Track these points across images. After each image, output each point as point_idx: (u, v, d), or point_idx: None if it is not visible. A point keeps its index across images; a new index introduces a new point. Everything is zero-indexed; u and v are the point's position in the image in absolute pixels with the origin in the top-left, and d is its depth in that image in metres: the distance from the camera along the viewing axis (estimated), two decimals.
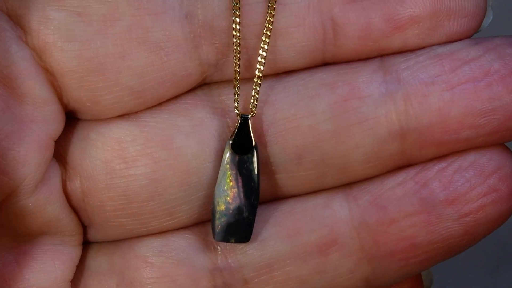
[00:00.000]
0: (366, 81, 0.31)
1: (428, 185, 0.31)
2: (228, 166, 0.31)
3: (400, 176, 0.31)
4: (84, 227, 0.32)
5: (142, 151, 0.31)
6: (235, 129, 0.31)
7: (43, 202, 0.30)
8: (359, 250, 0.31)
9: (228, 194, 0.31)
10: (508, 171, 0.31)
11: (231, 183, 0.31)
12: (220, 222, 0.31)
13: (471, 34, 0.32)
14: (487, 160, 0.31)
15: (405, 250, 0.31)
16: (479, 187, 0.31)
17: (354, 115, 0.31)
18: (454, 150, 0.31)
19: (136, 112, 0.31)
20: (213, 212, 0.31)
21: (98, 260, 0.32)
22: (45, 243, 0.31)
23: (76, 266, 0.32)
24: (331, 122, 0.31)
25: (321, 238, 0.31)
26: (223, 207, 0.31)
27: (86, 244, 0.33)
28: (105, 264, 0.32)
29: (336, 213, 0.31)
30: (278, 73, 0.32)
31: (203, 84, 0.32)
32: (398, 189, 0.31)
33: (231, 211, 0.31)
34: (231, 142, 0.31)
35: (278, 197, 0.32)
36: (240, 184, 0.31)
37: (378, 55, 0.31)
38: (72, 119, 0.31)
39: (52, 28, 0.29)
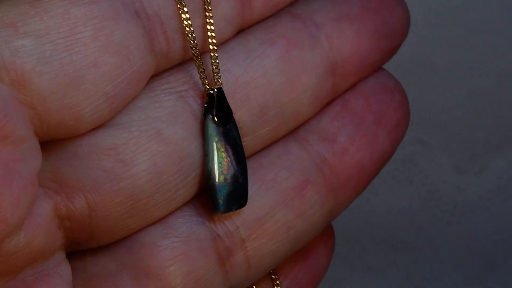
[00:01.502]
0: (295, 31, 0.34)
1: (356, 111, 0.35)
2: (216, 139, 0.32)
3: (330, 111, 0.35)
4: (74, 242, 0.32)
5: (138, 149, 0.31)
6: (213, 102, 0.32)
7: (32, 235, 0.30)
8: (325, 185, 0.34)
9: (223, 165, 0.32)
10: (401, 87, 0.36)
11: (223, 154, 0.32)
12: (222, 194, 0.32)
13: None
14: (385, 80, 0.36)
15: (357, 174, 0.35)
16: (392, 103, 0.35)
17: (298, 62, 0.34)
18: (362, 77, 0.35)
19: (112, 119, 0.32)
20: (212, 187, 0.32)
21: (101, 263, 0.32)
22: (29, 275, 0.30)
23: (72, 280, 0.31)
24: (282, 74, 0.34)
25: (296, 181, 0.34)
26: (222, 179, 0.32)
27: (77, 254, 0.33)
28: (112, 264, 0.32)
29: (298, 157, 0.34)
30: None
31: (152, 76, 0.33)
32: (336, 122, 0.35)
33: (229, 181, 0.32)
34: (214, 115, 0.32)
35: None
36: (230, 153, 0.32)
37: (277, 9, 0.35)
38: (47, 143, 0.31)
39: (26, 56, 0.29)
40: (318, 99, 0.34)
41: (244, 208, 0.33)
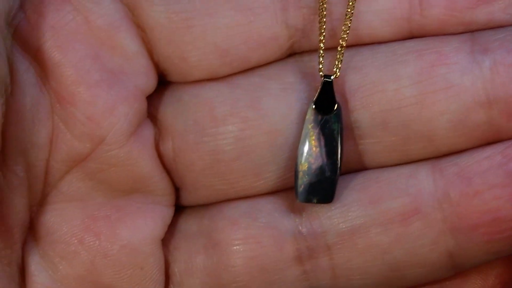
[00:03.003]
0: (454, 50, 0.31)
1: None
2: (310, 126, 0.31)
3: (489, 150, 0.31)
4: (177, 189, 0.33)
5: (231, 111, 0.31)
6: (319, 90, 0.31)
7: (136, 156, 0.31)
8: (442, 221, 0.31)
9: (311, 154, 0.31)
10: None
11: (313, 143, 0.31)
12: (302, 182, 0.31)
13: None
14: None
15: (489, 223, 0.31)
16: None
17: (439, 80, 0.31)
18: None
19: (228, 76, 0.32)
20: (296, 172, 0.31)
21: (189, 223, 0.33)
22: (138, 201, 0.32)
23: (168, 226, 0.33)
24: (416, 87, 0.31)
25: (403, 206, 0.31)
26: (305, 167, 0.31)
27: (180, 209, 0.33)
28: (195, 227, 0.33)
29: (420, 183, 0.31)
30: (367, 43, 0.32)
31: (295, 54, 0.32)
32: (485, 162, 0.31)
33: (313, 171, 0.31)
34: (314, 102, 0.31)
35: (365, 166, 0.32)
36: (322, 143, 0.31)
37: (466, 30, 0.31)
38: (164, 83, 0.32)
39: None
40: (465, 128, 0.31)
41: (337, 214, 0.32)
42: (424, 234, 0.31)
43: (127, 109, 0.30)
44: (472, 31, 0.31)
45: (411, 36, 0.32)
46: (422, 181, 0.31)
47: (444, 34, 0.31)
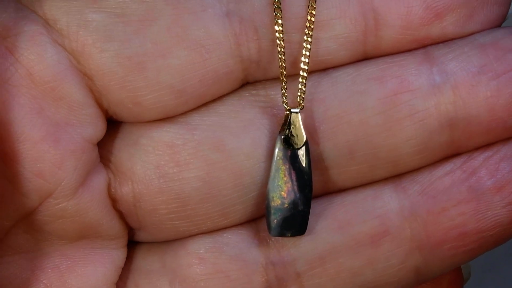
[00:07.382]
0: (415, 73, 0.31)
1: (475, 173, 0.31)
2: (280, 161, 0.31)
3: (448, 166, 0.32)
4: (132, 229, 0.32)
5: (194, 154, 0.31)
6: (286, 124, 0.31)
7: (85, 206, 0.30)
8: (410, 240, 0.32)
9: (283, 189, 0.31)
10: None
11: (284, 178, 0.31)
12: (276, 217, 0.31)
13: (501, 22, 0.32)
14: None
15: (455, 239, 0.31)
16: None
17: (404, 108, 0.31)
18: (501, 138, 0.31)
19: (183, 115, 0.31)
20: (267, 207, 0.31)
21: (149, 260, 0.32)
22: (86, 247, 0.31)
23: (122, 268, 0.32)
24: (381, 116, 0.31)
25: (372, 228, 0.31)
26: (278, 202, 0.31)
27: (135, 244, 0.33)
28: (157, 263, 0.32)
29: (386, 204, 0.32)
30: (324, 69, 0.32)
31: (246, 84, 0.32)
32: (447, 178, 0.31)
33: (286, 205, 0.31)
34: (282, 137, 0.31)
35: (330, 191, 0.32)
36: (293, 178, 0.31)
37: (418, 46, 0.32)
38: (117, 123, 0.32)
39: (91, 30, 0.29)
40: (428, 150, 0.31)
41: (306, 242, 0.32)
42: (393, 254, 0.32)
43: (75, 162, 0.30)
44: (424, 46, 0.32)
45: (364, 57, 0.32)
46: (388, 202, 0.32)
47: (397, 53, 0.32)
